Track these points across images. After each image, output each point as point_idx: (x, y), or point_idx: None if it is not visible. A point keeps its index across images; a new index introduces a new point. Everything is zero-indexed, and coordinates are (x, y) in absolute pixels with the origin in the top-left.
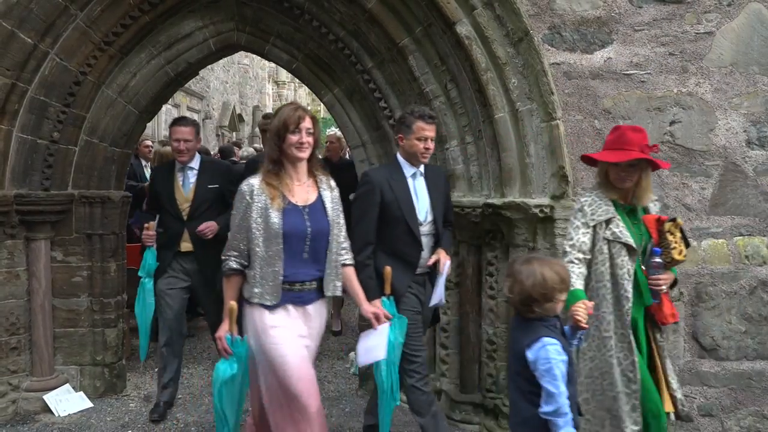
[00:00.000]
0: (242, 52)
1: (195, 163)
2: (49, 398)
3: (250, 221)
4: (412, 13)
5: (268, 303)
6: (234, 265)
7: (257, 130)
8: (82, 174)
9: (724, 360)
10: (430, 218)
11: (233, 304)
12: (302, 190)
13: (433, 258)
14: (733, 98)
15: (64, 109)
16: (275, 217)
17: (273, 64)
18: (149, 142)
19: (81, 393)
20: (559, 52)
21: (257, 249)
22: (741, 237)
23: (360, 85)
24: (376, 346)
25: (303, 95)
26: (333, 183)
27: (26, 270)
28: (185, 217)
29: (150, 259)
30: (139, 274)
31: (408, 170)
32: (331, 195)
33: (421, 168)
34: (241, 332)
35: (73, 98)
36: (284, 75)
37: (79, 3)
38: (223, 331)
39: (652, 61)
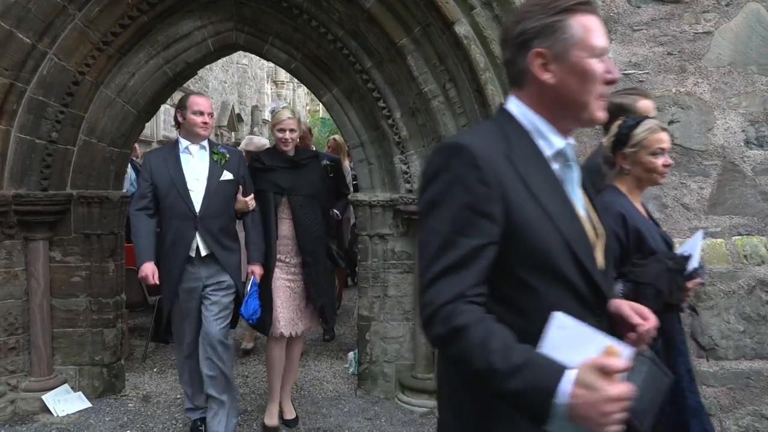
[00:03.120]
0: (241, 52)
1: None
2: (48, 398)
3: None
4: (410, 13)
5: None
6: None
7: (255, 129)
8: (81, 174)
9: (723, 359)
10: None
11: None
12: None
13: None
14: (731, 98)
15: (62, 109)
16: None
17: (272, 64)
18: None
19: (80, 393)
20: None
21: None
22: (739, 236)
23: (359, 84)
24: None
25: (302, 95)
26: None
27: (25, 270)
28: None
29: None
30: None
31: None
32: None
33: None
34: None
35: (71, 98)
36: (283, 75)
37: (77, 3)
38: None
39: (650, 61)
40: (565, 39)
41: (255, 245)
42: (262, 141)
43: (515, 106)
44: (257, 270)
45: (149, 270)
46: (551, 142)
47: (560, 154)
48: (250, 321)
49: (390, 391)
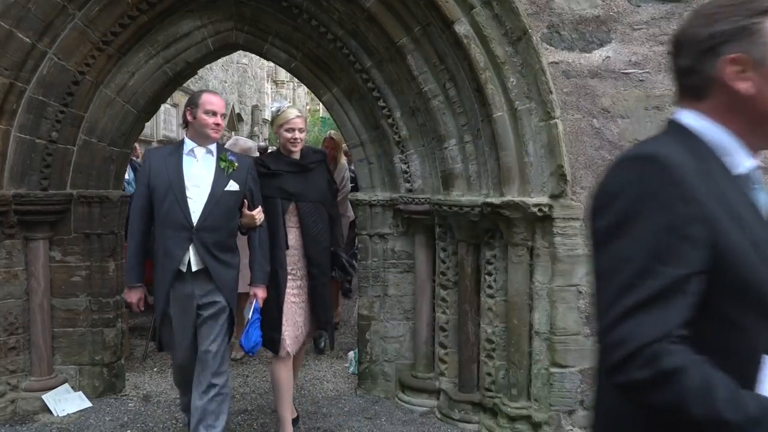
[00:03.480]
0: (241, 52)
1: None
2: (48, 398)
3: None
4: (410, 13)
5: None
6: None
7: (256, 129)
8: (81, 174)
9: None
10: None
11: None
12: None
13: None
14: None
15: (62, 108)
16: None
17: (272, 64)
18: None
19: (80, 393)
20: (558, 51)
21: None
22: None
23: (359, 84)
24: None
25: (302, 94)
26: None
27: (25, 270)
28: None
29: None
30: None
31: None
32: None
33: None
34: None
35: (71, 98)
36: (283, 74)
37: (77, 2)
38: None
39: (650, 60)
40: (764, 44)
41: (260, 266)
42: (249, 143)
43: (694, 120)
44: (260, 294)
45: (134, 298)
46: (739, 161)
47: (747, 177)
48: (250, 354)
49: (390, 390)
